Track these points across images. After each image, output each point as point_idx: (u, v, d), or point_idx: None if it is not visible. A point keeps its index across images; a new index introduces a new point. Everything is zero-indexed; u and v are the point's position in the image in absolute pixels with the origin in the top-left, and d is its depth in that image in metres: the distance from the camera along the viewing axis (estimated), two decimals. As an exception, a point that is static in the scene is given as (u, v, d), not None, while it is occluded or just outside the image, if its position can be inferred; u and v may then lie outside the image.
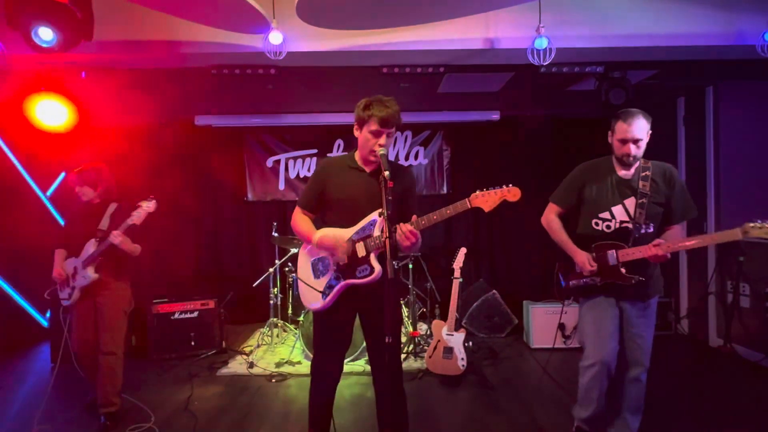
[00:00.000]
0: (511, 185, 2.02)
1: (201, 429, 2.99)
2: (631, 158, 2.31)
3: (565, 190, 2.55)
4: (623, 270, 2.31)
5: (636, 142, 2.28)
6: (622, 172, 2.39)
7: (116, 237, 2.92)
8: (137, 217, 2.98)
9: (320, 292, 2.16)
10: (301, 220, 2.25)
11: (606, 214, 2.39)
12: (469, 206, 2.03)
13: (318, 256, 2.22)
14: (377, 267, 2.06)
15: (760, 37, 3.13)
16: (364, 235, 2.09)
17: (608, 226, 2.38)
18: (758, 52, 3.16)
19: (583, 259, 2.38)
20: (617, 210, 2.36)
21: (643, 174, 2.33)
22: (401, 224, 1.99)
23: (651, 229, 2.33)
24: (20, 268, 4.79)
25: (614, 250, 2.33)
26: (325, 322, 2.22)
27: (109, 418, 3.05)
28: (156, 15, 3.10)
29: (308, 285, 2.20)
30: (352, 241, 2.10)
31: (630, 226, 2.33)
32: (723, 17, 3.26)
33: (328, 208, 2.22)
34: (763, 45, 3.13)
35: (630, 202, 2.34)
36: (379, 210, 2.03)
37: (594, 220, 2.42)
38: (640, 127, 2.27)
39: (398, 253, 2.21)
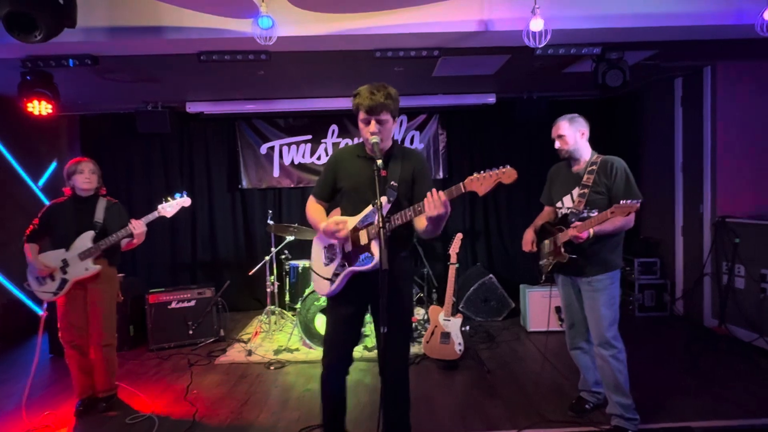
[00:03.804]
0: (508, 166, 1.87)
1: (200, 417, 3.01)
2: (563, 152, 2.67)
3: (544, 190, 2.93)
4: (562, 249, 2.60)
5: (560, 137, 2.65)
6: (574, 168, 2.71)
7: (139, 227, 2.91)
8: (166, 210, 2.99)
9: (328, 279, 2.18)
10: (313, 209, 2.28)
11: (559, 203, 2.76)
12: (464, 190, 1.90)
13: (327, 243, 2.24)
14: (377, 254, 2.02)
15: (758, 16, 3.06)
16: (367, 223, 2.09)
17: (560, 213, 2.74)
18: (757, 32, 3.09)
19: (525, 239, 2.83)
20: (566, 199, 2.71)
21: (590, 168, 2.61)
22: (433, 190, 1.87)
23: (594, 214, 2.52)
24: (14, 259, 4.76)
25: (557, 234, 2.64)
26: (337, 314, 2.23)
27: (109, 402, 3.12)
28: (141, 0, 3.02)
29: (317, 273, 2.24)
30: (356, 229, 2.10)
31: (570, 212, 2.63)
32: (721, -5, 3.20)
33: (341, 198, 2.26)
34: (762, 24, 3.05)
35: (575, 192, 2.64)
36: (377, 200, 2.00)
37: (556, 209, 2.79)
38: (559, 126, 2.66)
39: (409, 240, 2.24)
